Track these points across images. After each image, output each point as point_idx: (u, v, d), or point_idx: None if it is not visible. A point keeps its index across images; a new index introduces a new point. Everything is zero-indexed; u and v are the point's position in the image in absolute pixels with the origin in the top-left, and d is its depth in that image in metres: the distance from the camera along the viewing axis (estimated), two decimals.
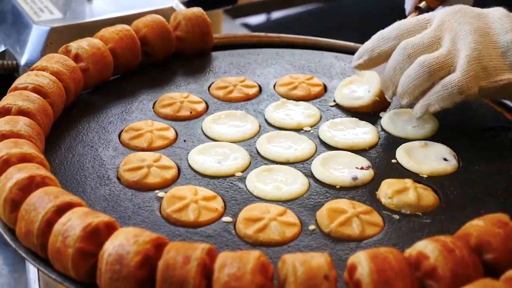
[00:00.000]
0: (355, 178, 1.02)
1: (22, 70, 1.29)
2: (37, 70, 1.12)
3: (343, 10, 2.58)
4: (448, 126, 1.14)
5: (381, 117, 1.16)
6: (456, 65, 1.05)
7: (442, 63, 1.05)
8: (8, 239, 0.89)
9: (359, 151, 1.09)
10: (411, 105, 1.10)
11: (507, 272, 0.75)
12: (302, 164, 1.06)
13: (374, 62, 1.12)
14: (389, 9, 1.24)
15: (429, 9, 1.24)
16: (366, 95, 1.18)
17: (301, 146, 1.09)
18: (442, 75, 1.05)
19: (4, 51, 1.35)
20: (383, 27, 1.14)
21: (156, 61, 1.29)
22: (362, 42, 1.39)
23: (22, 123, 0.99)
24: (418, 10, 1.24)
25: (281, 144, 1.09)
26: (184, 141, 1.10)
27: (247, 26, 2.33)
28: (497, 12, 1.10)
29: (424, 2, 1.25)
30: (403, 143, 1.10)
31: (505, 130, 1.15)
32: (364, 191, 1.00)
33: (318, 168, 1.03)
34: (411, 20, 1.12)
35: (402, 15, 1.24)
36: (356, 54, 1.14)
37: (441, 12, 1.12)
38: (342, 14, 2.55)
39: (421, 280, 0.79)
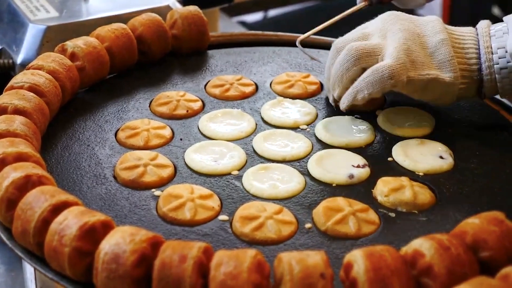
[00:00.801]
0: (351, 176, 1.02)
1: (18, 69, 1.29)
2: (33, 69, 1.12)
3: (339, 8, 2.57)
4: (444, 124, 1.14)
5: (377, 115, 1.16)
6: (384, 54, 1.07)
7: (370, 50, 1.08)
8: (4, 238, 0.89)
9: (355, 149, 1.09)
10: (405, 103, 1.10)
11: (503, 269, 0.75)
12: (298, 162, 1.06)
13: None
14: (385, 8, 1.23)
15: (379, 2, 1.23)
16: None
17: (298, 145, 1.09)
18: (370, 63, 1.07)
19: (0, 50, 1.35)
20: None
21: (153, 59, 1.29)
22: None
23: (18, 122, 0.99)
24: (368, 1, 1.23)
25: (277, 142, 1.09)
26: (181, 139, 1.10)
27: (244, 24, 2.33)
28: (429, 17, 1.13)
29: (364, 2, 1.24)
30: (399, 141, 1.10)
31: (502, 129, 1.15)
32: (360, 189, 1.01)
33: (314, 166, 1.04)
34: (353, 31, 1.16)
35: None
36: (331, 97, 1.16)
37: (376, 20, 1.15)
38: (339, 12, 2.55)
39: (417, 278, 0.79)
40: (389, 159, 1.07)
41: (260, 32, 1.42)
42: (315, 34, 1.26)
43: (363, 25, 1.16)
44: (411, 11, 1.27)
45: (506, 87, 1.09)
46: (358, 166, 1.04)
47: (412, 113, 1.16)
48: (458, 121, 1.16)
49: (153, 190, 0.99)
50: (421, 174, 1.04)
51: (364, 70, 1.08)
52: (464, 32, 1.12)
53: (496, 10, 2.45)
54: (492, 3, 2.47)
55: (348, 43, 1.11)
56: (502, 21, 1.11)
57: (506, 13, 1.13)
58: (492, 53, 1.08)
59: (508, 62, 1.07)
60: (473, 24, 1.14)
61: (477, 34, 1.11)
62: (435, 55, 1.09)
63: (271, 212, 0.94)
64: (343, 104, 1.10)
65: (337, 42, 1.13)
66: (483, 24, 1.12)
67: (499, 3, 2.48)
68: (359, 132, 1.12)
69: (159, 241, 0.80)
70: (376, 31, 1.12)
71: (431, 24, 1.11)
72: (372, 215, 0.95)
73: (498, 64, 1.08)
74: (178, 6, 1.43)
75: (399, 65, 1.05)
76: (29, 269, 1.06)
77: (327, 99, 1.21)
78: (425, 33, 1.10)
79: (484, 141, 1.12)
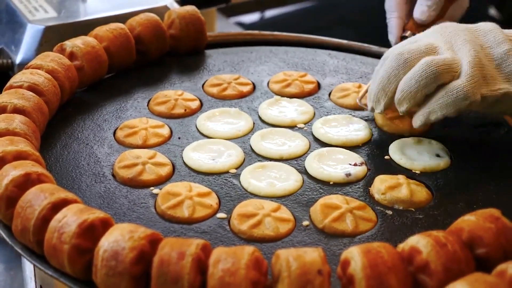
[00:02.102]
0: (348, 174, 1.02)
1: (17, 69, 1.30)
2: (32, 68, 1.12)
3: (336, 8, 2.58)
4: (440, 123, 1.15)
5: (374, 115, 1.17)
6: (460, 71, 1.01)
7: (449, 66, 1.01)
8: (4, 236, 0.89)
9: (352, 147, 1.09)
10: None
11: (499, 266, 0.76)
12: (295, 160, 1.06)
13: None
14: (383, 7, 1.23)
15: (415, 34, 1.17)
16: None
17: (295, 143, 1.09)
18: (446, 80, 1.01)
19: None
20: (376, 25, 1.15)
21: (151, 59, 1.29)
22: (356, 40, 1.40)
23: (17, 121, 0.99)
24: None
25: (275, 141, 1.10)
26: (179, 138, 1.10)
27: (241, 24, 2.33)
28: (487, 25, 1.08)
29: (409, 31, 1.20)
30: (396, 139, 1.11)
31: (497, 127, 1.15)
32: (358, 187, 1.01)
33: (312, 165, 1.04)
34: (404, 42, 1.10)
35: None
36: (370, 101, 1.08)
37: (429, 30, 1.09)
38: (336, 12, 2.56)
39: (414, 274, 0.79)
40: (386, 157, 1.08)
41: (257, 31, 1.43)
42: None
43: (416, 37, 1.09)
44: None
45: None
46: (355, 164, 1.05)
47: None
48: (454, 119, 1.16)
49: (151, 188, 0.99)
50: (417, 172, 1.04)
51: (439, 86, 1.02)
52: None
53: (492, 11, 2.45)
54: (488, 3, 2.48)
55: (415, 56, 1.03)
56: (499, 22, 1.11)
57: (503, 14, 1.14)
58: None
59: None
60: (470, 23, 1.13)
61: None
62: (502, 67, 1.03)
63: (268, 210, 0.94)
64: (415, 123, 1.04)
65: (402, 50, 1.04)
66: None
67: (496, 4, 2.48)
68: (356, 130, 1.13)
69: (158, 238, 0.81)
70: (441, 44, 1.05)
71: (491, 33, 1.06)
72: (369, 213, 0.96)
73: None
74: (175, 6, 1.43)
75: (473, 84, 1.00)
76: (28, 267, 1.07)
77: (323, 98, 1.21)
78: (488, 43, 1.05)
79: (480, 139, 1.12)
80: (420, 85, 1.01)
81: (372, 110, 1.08)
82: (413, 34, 1.17)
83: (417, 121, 1.04)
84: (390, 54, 1.06)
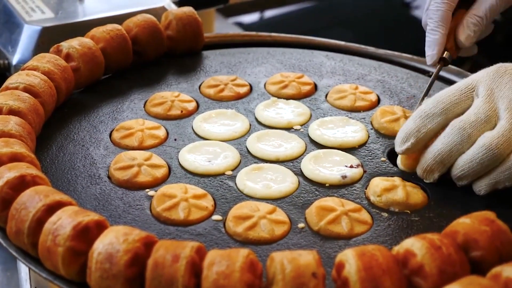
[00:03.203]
0: (344, 177, 1.02)
1: (14, 70, 1.30)
2: (28, 69, 1.12)
3: (335, 9, 2.58)
4: None
5: (371, 116, 1.17)
6: None
7: (508, 139, 0.95)
8: None
9: (349, 149, 1.09)
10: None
11: (493, 269, 0.76)
12: (292, 162, 1.06)
13: (423, 142, 1.01)
14: (381, 8, 1.23)
15: (451, 59, 1.13)
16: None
17: (291, 145, 1.09)
18: (509, 153, 0.95)
19: None
20: (374, 26, 1.14)
21: (147, 60, 1.29)
22: (353, 41, 1.40)
23: (13, 123, 0.99)
24: (443, 61, 1.13)
25: (271, 142, 1.10)
26: (175, 140, 1.10)
27: (239, 25, 2.33)
28: None
29: (448, 53, 1.12)
30: (392, 141, 1.11)
31: None
32: (353, 189, 1.01)
33: (308, 167, 1.04)
34: (452, 90, 1.01)
35: (396, 14, 1.23)
36: (400, 137, 1.02)
37: (483, 77, 1.01)
38: (334, 13, 2.55)
39: (408, 277, 0.79)
40: (382, 159, 1.08)
41: (254, 33, 1.43)
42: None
43: (466, 87, 1.01)
44: None
45: None
46: (351, 166, 1.05)
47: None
48: None
49: (147, 190, 0.99)
50: (413, 174, 1.04)
51: None
52: None
53: None
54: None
55: (478, 128, 0.97)
56: (495, 28, 1.10)
57: (503, 14, 1.12)
58: None
59: None
60: None
61: None
62: None
63: (264, 212, 0.94)
64: (480, 192, 0.99)
65: (463, 124, 0.98)
66: None
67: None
68: (352, 132, 1.13)
69: (152, 241, 0.81)
70: (499, 103, 0.98)
71: None
72: (364, 215, 0.96)
73: None
74: (173, 7, 1.43)
75: None
76: (23, 269, 1.07)
77: (320, 99, 1.21)
78: None
79: None
80: (483, 167, 0.97)
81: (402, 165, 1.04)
82: (451, 57, 1.13)
83: (481, 190, 0.99)
84: (448, 125, 0.99)
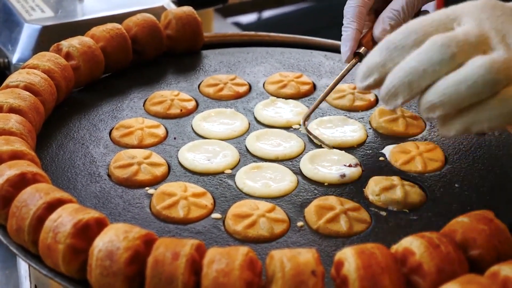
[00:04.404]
0: (343, 176, 1.03)
1: (14, 68, 1.30)
2: (28, 68, 1.12)
3: (333, 10, 2.58)
4: (435, 125, 1.15)
5: (369, 116, 1.17)
6: None
7: (509, 69, 0.79)
8: None
9: (347, 148, 1.10)
10: None
11: (491, 267, 0.76)
12: (290, 161, 1.07)
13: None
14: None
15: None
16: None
17: (290, 144, 1.10)
18: (504, 86, 0.79)
19: None
20: None
21: (147, 59, 1.30)
22: None
23: (13, 121, 1.00)
24: (358, 56, 1.07)
25: (270, 141, 1.10)
26: (174, 138, 1.11)
27: (238, 25, 2.34)
28: None
29: (363, 48, 1.07)
30: (391, 141, 1.11)
31: None
32: (352, 189, 1.01)
33: (307, 166, 1.04)
34: (428, 20, 0.85)
35: None
36: (362, 71, 0.87)
37: (469, 8, 0.85)
38: (333, 13, 2.56)
39: (407, 275, 0.79)
40: (381, 158, 1.08)
41: (253, 32, 1.43)
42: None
43: (446, 17, 0.85)
44: None
45: None
46: (350, 166, 1.05)
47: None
48: None
49: (146, 188, 1.00)
50: (412, 173, 1.05)
51: None
52: None
53: None
54: None
55: (465, 50, 0.80)
56: None
57: None
58: None
59: None
60: None
61: None
62: None
63: (263, 210, 0.95)
64: (448, 132, 0.82)
65: (448, 41, 0.80)
66: None
67: None
68: (351, 131, 1.13)
69: (153, 239, 0.81)
70: (491, 34, 0.82)
71: None
72: (363, 214, 0.96)
73: None
74: (172, 6, 1.43)
75: None
76: (23, 267, 1.07)
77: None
78: None
79: (474, 141, 1.12)
80: (473, 93, 0.79)
81: (367, 88, 0.88)
82: (367, 52, 1.05)
83: (452, 130, 0.82)
84: (427, 40, 0.82)
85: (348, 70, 1.08)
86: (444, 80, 0.80)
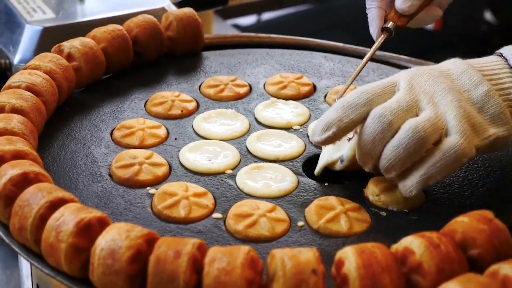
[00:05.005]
0: (342, 160, 1.02)
1: (15, 70, 1.30)
2: (30, 69, 1.13)
3: (333, 12, 2.59)
4: None
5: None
6: (447, 127, 0.93)
7: (435, 125, 0.92)
8: (1, 234, 0.90)
9: None
10: None
11: (491, 267, 0.77)
12: (291, 162, 1.07)
13: (344, 133, 0.96)
14: None
15: (397, 28, 1.11)
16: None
17: (291, 145, 1.10)
18: (434, 141, 0.92)
19: None
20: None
21: (148, 60, 1.30)
22: (352, 43, 1.41)
23: (15, 121, 1.00)
24: (387, 31, 1.11)
25: (270, 142, 1.10)
26: (175, 139, 1.11)
27: (237, 27, 2.34)
28: (457, 67, 1.00)
29: (391, 22, 1.11)
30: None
31: None
32: (352, 189, 1.02)
33: (307, 166, 1.05)
34: (377, 84, 0.98)
35: None
36: (319, 127, 0.96)
37: (403, 74, 0.99)
38: (332, 15, 2.56)
39: (407, 275, 0.80)
40: None
41: (253, 34, 1.44)
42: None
43: (389, 82, 0.98)
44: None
45: None
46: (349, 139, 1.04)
47: None
48: None
49: (148, 188, 1.00)
50: None
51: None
52: (496, 67, 0.99)
53: (488, 15, 2.45)
54: (484, 7, 2.48)
55: (399, 116, 0.93)
56: (495, 26, 1.09)
57: (499, 18, 1.10)
58: None
59: None
60: (466, 28, 1.12)
61: (510, 66, 0.99)
62: (485, 109, 0.95)
63: (264, 210, 0.95)
64: (410, 192, 0.93)
65: (383, 111, 0.93)
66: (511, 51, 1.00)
67: (492, 7, 2.48)
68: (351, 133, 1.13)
69: (154, 238, 0.81)
70: (420, 97, 0.95)
71: (466, 75, 0.98)
72: (363, 214, 0.97)
73: None
74: (173, 8, 1.44)
75: (467, 140, 0.92)
76: (25, 266, 1.07)
77: (319, 100, 1.22)
78: (465, 87, 0.97)
79: None
80: (410, 153, 0.91)
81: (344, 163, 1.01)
82: (395, 25, 1.10)
83: (412, 190, 0.93)
84: (373, 114, 0.94)
85: (379, 45, 1.11)
86: (387, 146, 0.93)
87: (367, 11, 1.13)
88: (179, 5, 1.49)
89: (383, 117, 0.93)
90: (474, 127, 0.94)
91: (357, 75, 1.12)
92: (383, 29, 1.11)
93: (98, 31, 1.25)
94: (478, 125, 0.95)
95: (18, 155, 0.93)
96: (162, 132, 1.12)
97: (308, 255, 0.79)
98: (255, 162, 1.07)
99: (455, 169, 0.93)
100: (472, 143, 0.93)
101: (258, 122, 1.16)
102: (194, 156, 1.06)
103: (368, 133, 0.94)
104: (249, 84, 1.27)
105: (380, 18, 1.12)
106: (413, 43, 1.20)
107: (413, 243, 0.81)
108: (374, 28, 1.12)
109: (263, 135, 1.12)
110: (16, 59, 1.31)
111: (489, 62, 1.00)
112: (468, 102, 0.96)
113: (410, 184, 0.93)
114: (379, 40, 1.12)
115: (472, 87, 0.97)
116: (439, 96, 0.96)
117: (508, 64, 0.99)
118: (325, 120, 0.96)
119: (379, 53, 1.37)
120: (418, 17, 1.13)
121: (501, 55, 1.01)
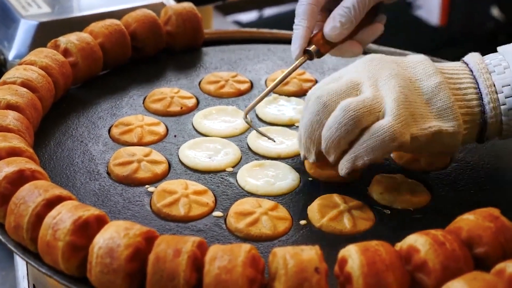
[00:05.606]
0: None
1: (10, 66, 1.29)
2: (25, 64, 1.12)
3: None
4: None
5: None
6: (384, 110, 0.92)
7: (370, 106, 0.92)
8: None
9: None
10: None
11: (497, 265, 0.76)
12: (293, 159, 1.05)
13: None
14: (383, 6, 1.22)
15: (319, 54, 1.10)
16: None
17: (292, 142, 1.09)
18: (369, 122, 0.92)
19: None
20: None
21: (146, 56, 1.29)
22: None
23: (11, 117, 0.99)
24: (308, 54, 1.09)
25: None
26: (175, 136, 1.10)
27: (238, 23, 2.33)
28: (416, 57, 1.00)
29: (314, 46, 1.09)
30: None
31: None
32: (356, 187, 1.01)
33: (309, 164, 1.03)
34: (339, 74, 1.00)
35: (398, 13, 1.21)
36: (301, 150, 0.99)
37: (356, 64, 1.00)
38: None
39: (411, 273, 0.79)
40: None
41: (254, 29, 1.42)
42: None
43: (340, 72, 1.00)
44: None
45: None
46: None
47: None
48: None
49: (147, 186, 0.99)
50: (416, 171, 1.04)
51: (363, 129, 0.93)
52: (457, 69, 0.98)
53: (495, 11, 2.43)
54: (491, 3, 2.46)
55: (335, 97, 0.95)
56: (501, 22, 1.09)
57: (506, 14, 1.10)
58: (497, 93, 0.95)
59: None
60: (472, 24, 1.11)
61: (471, 70, 0.98)
62: (433, 101, 0.95)
63: (266, 208, 0.94)
64: (342, 171, 0.95)
65: (319, 95, 0.95)
66: (475, 58, 0.99)
67: (499, 3, 2.46)
68: None
69: (154, 236, 0.80)
70: (364, 80, 0.96)
71: (421, 65, 0.98)
72: (367, 212, 0.95)
73: (505, 104, 0.95)
74: (172, 2, 1.42)
75: (401, 124, 0.91)
76: (21, 266, 1.05)
77: None
78: (417, 76, 0.96)
79: None
80: (342, 133, 0.92)
81: (305, 158, 0.99)
82: (318, 50, 1.09)
83: (343, 168, 0.94)
84: (312, 96, 0.97)
85: (297, 67, 1.10)
86: (323, 130, 0.94)
87: (294, 28, 1.10)
88: None
89: (319, 98, 0.95)
90: (414, 116, 0.93)
91: (266, 95, 1.10)
92: (305, 51, 1.09)
93: (95, 26, 1.23)
94: (419, 116, 0.94)
95: (13, 152, 0.92)
96: (161, 129, 1.10)
97: (310, 253, 0.78)
98: (256, 159, 1.05)
99: (385, 152, 0.92)
100: (407, 128, 0.92)
101: (260, 119, 1.15)
102: (194, 153, 1.05)
103: (307, 115, 0.96)
104: (250, 80, 1.25)
105: (305, 39, 1.09)
106: (417, 39, 1.18)
107: (418, 241, 0.80)
108: (296, 47, 1.09)
109: (264, 132, 1.10)
110: (11, 55, 1.30)
111: (451, 64, 1.00)
112: (416, 91, 0.95)
113: (341, 164, 0.94)
114: (297, 62, 1.09)
115: (424, 77, 0.96)
116: (384, 80, 0.96)
117: (469, 68, 0.98)
118: (302, 147, 0.99)
119: (384, 48, 1.35)
120: (340, 47, 1.12)
121: (464, 61, 1.00)
